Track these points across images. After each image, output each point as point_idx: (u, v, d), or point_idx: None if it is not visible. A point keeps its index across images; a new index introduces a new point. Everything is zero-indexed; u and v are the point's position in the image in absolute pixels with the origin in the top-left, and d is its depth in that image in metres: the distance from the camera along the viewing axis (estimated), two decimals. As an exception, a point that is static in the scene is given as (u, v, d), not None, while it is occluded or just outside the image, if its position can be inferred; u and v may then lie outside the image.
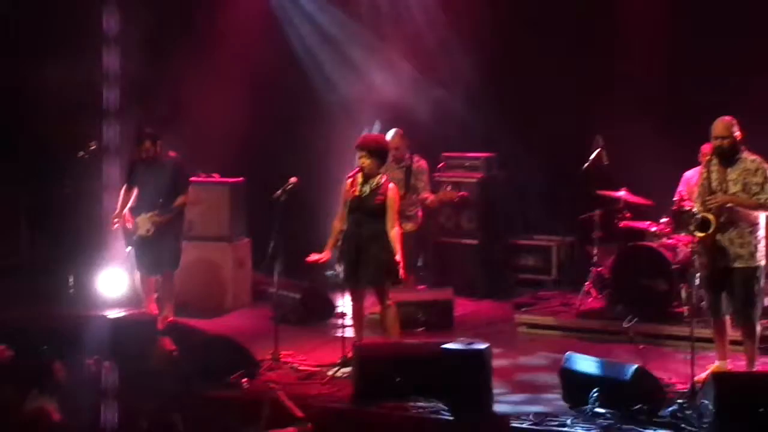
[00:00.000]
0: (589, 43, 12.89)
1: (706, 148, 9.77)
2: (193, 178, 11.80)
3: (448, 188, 12.43)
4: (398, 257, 9.64)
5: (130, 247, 11.38)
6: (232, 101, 13.40)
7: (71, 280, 12.50)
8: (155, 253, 11.26)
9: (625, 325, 10.68)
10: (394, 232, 9.75)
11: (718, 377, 8.36)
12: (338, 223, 10.02)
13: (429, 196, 11.87)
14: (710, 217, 9.00)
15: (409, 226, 11.54)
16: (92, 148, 11.97)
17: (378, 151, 9.91)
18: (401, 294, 10.81)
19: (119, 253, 12.00)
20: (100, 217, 12.20)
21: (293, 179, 10.44)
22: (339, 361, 9.91)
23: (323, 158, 13.45)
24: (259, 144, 13.77)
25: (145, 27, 12.50)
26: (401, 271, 9.70)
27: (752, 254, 9.04)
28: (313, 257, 9.97)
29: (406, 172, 11.82)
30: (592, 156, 11.64)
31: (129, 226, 11.16)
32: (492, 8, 13.19)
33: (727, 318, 9.28)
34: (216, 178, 12.70)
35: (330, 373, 9.79)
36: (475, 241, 13.12)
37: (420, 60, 13.68)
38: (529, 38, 13.14)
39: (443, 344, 9.02)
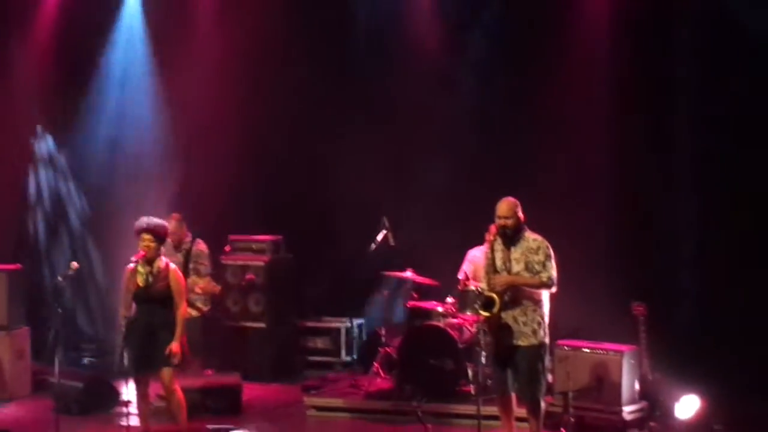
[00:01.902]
0: (376, 125, 13.05)
1: (494, 227, 9.95)
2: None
3: (209, 280, 12.20)
4: (176, 341, 9.52)
5: None
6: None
7: None
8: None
9: (414, 404, 10.71)
10: (179, 313, 9.63)
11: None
12: (125, 312, 9.81)
13: (200, 286, 11.77)
14: (495, 296, 9.14)
15: (194, 312, 11.44)
16: None
17: (162, 236, 9.84)
18: (187, 380, 10.59)
19: None
20: None
21: (74, 265, 10.15)
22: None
23: (105, 243, 13.22)
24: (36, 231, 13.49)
25: None
26: (179, 355, 9.56)
27: (535, 332, 9.19)
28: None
29: (185, 256, 11.73)
30: (379, 237, 11.75)
31: None
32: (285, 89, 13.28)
33: (513, 395, 9.40)
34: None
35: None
36: (262, 325, 12.98)
37: (201, 139, 13.63)
38: (315, 118, 13.26)
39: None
